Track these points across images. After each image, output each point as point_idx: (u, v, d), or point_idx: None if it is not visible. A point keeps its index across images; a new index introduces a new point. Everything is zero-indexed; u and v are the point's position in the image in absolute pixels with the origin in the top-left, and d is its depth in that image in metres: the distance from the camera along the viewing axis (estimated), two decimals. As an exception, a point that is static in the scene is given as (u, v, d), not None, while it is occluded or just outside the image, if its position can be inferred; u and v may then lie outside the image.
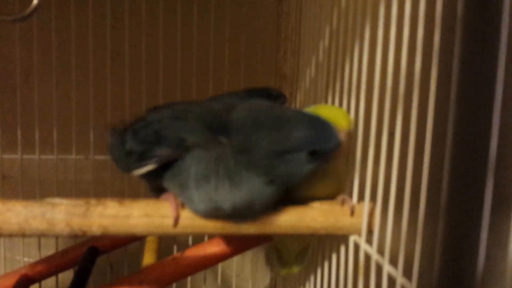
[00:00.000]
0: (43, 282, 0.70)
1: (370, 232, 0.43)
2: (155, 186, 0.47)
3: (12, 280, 0.64)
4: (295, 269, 0.59)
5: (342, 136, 0.43)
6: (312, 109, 0.45)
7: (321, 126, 0.40)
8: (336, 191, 0.46)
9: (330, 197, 0.46)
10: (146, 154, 0.43)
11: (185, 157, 0.42)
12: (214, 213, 0.43)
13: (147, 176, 0.45)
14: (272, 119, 0.40)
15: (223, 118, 0.42)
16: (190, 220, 0.43)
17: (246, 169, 0.40)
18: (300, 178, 0.41)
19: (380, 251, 0.39)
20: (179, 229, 0.43)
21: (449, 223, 0.32)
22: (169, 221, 0.43)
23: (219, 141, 0.41)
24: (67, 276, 0.74)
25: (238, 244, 0.55)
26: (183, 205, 0.44)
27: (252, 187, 0.40)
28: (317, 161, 0.40)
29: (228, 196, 0.41)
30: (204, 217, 0.43)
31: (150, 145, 0.43)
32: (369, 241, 0.43)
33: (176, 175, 0.43)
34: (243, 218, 0.43)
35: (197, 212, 0.43)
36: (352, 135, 0.44)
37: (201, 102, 0.48)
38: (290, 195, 0.46)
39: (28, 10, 0.59)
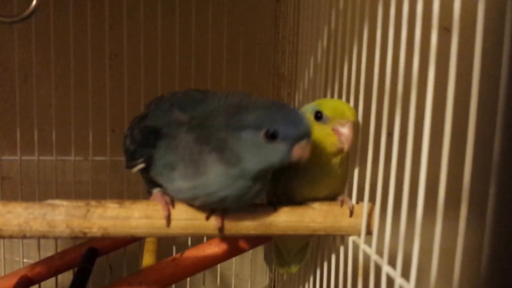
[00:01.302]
0: (43, 283, 0.70)
1: (369, 232, 0.43)
2: (151, 182, 0.47)
3: (12, 281, 0.64)
4: (294, 268, 0.59)
5: (348, 126, 0.42)
6: (316, 103, 0.46)
7: (280, 110, 0.39)
8: (335, 191, 0.46)
9: (329, 197, 0.46)
10: (137, 153, 0.44)
11: (161, 148, 0.42)
12: (194, 202, 0.42)
13: (143, 172, 0.46)
14: (232, 103, 0.40)
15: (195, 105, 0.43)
16: (190, 221, 0.43)
17: (207, 152, 0.39)
18: (268, 164, 0.39)
19: (379, 251, 0.40)
20: (178, 230, 0.43)
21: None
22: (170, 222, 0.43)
23: (180, 123, 0.41)
24: (66, 277, 0.74)
25: (237, 245, 0.55)
26: (173, 202, 0.44)
27: (216, 173, 0.39)
28: (284, 149, 0.38)
29: (197, 183, 0.40)
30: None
31: (138, 144, 0.44)
32: (368, 241, 0.43)
33: (157, 166, 0.43)
34: (224, 204, 0.42)
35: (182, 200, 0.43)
36: (358, 126, 0.44)
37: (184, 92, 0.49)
38: (290, 196, 0.46)
39: (27, 11, 0.59)
